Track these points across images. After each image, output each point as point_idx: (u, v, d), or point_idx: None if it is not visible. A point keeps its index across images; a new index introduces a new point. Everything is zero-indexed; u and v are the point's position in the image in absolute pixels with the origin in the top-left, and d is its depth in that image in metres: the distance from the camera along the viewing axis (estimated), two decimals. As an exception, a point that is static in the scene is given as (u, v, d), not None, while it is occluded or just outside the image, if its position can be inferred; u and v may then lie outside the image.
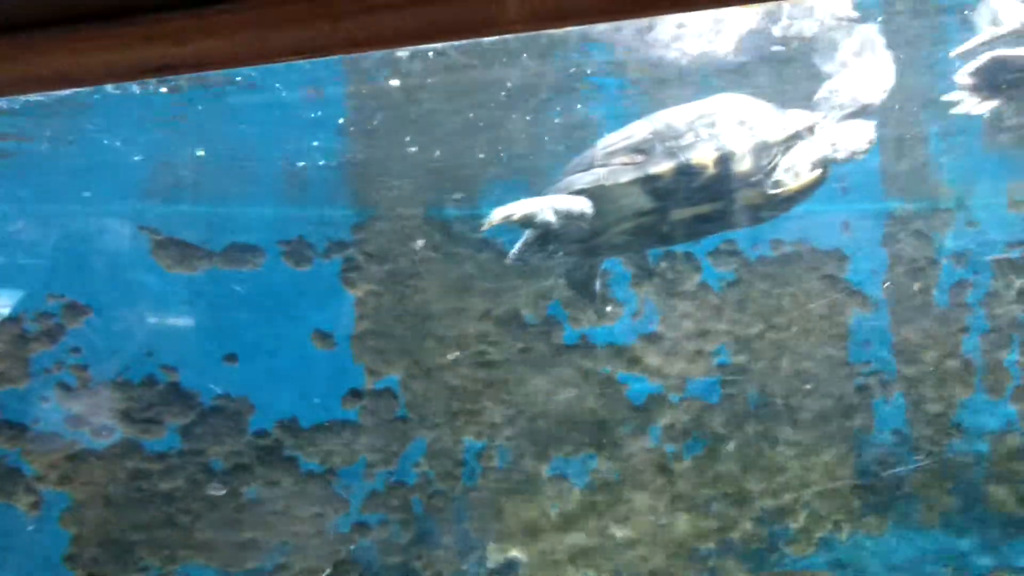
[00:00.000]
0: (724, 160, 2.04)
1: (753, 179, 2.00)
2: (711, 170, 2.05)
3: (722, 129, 2.05)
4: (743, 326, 3.56)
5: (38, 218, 3.11)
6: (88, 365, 3.12)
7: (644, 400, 3.50)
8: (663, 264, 3.55)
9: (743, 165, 2.02)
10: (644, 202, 2.10)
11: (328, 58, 1.34)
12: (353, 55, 3.17)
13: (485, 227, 2.21)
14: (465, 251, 3.48)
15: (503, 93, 3.41)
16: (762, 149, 2.02)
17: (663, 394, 3.51)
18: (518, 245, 2.45)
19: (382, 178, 3.42)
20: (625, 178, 2.06)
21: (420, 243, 3.43)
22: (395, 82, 3.04)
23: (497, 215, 2.21)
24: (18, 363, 3.08)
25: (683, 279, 3.56)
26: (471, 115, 3.35)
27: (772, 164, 2.00)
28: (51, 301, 3.11)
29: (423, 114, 3.36)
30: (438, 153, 3.39)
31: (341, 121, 3.34)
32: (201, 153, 3.19)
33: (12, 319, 3.06)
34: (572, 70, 2.89)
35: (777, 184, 2.04)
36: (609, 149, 2.15)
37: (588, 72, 2.90)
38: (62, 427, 3.09)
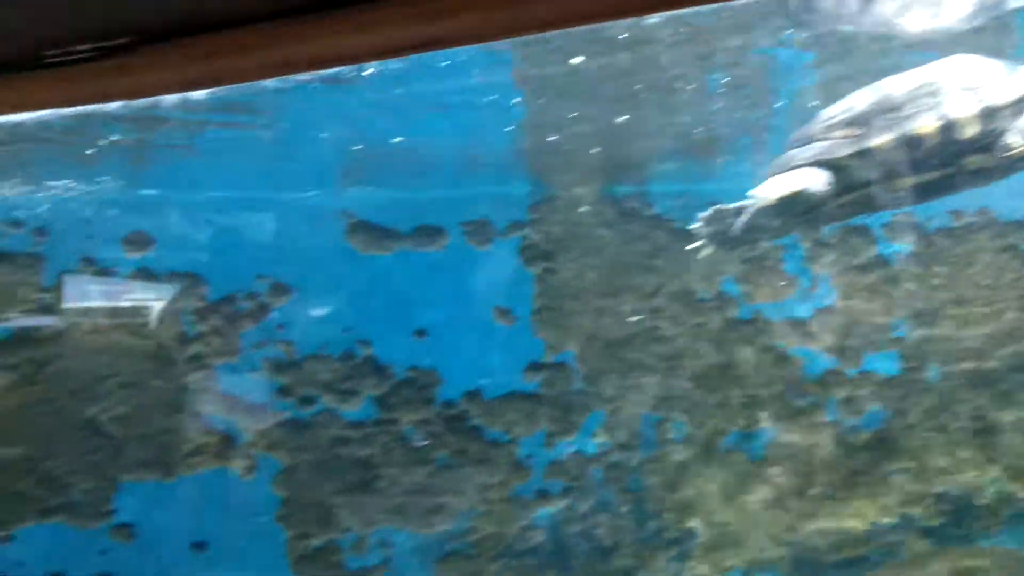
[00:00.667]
0: (947, 128, 2.04)
1: (982, 143, 1.98)
2: (934, 139, 2.04)
3: (946, 96, 2.04)
4: (921, 299, 3.50)
5: (246, 204, 3.36)
6: (292, 340, 3.36)
7: (820, 374, 3.50)
8: (837, 237, 3.53)
9: (969, 130, 2.01)
10: (864, 174, 2.12)
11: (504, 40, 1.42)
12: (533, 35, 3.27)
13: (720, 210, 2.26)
14: (638, 228, 3.55)
15: (677, 69, 3.45)
16: (989, 112, 1.99)
17: (839, 368, 3.50)
18: (741, 221, 2.46)
19: (557, 157, 3.52)
20: (844, 152, 2.08)
21: (593, 221, 3.52)
22: (576, 60, 3.13)
23: (767, 192, 2.23)
24: (231, 339, 3.34)
25: (858, 252, 3.53)
26: (646, 92, 3.41)
27: (1002, 126, 1.98)
28: (259, 282, 3.36)
29: (598, 92, 3.44)
30: (612, 131, 3.47)
31: (517, 102, 3.46)
32: (397, 139, 3.37)
33: (226, 299, 3.33)
34: (757, 43, 2.91)
35: (1008, 147, 2.01)
36: (829, 122, 2.17)
37: (773, 44, 2.91)
38: (270, 397, 3.34)
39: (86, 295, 3.25)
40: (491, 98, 3.41)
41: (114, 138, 3.08)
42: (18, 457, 3.15)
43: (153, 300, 3.29)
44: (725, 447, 3.54)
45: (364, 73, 3.28)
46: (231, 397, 3.31)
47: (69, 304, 3.24)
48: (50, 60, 1.38)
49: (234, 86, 3.20)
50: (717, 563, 3.47)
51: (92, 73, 1.39)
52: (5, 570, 3.13)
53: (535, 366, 3.49)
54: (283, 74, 1.43)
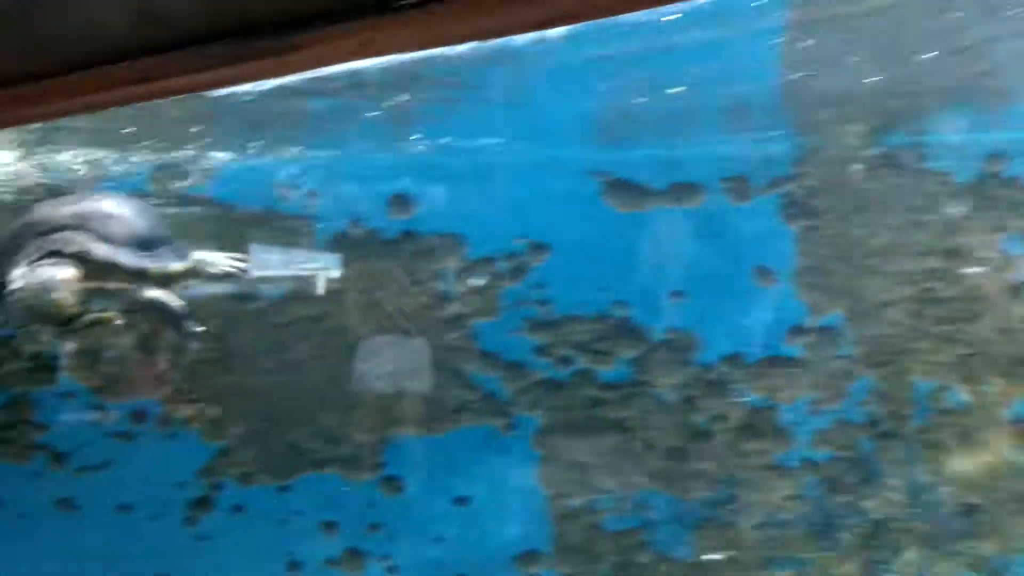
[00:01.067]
0: None
1: None
2: None
3: None
4: None
5: (504, 164, 3.38)
6: (549, 300, 3.35)
7: (1125, 339, 3.16)
8: None
9: None
10: None
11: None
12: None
13: None
14: (911, 181, 3.32)
15: (958, 13, 3.19)
16: None
17: None
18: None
19: (825, 108, 3.34)
20: None
21: (862, 174, 3.33)
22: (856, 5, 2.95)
23: None
24: (490, 298, 3.37)
25: None
26: (921, 36, 3.18)
27: None
28: (516, 242, 3.38)
29: (867, 39, 3.23)
30: (882, 79, 3.26)
31: (780, 51, 3.31)
32: (643, 98, 3.30)
33: (488, 259, 3.36)
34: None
35: None
36: None
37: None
38: (528, 356, 3.35)
39: (356, 256, 3.36)
40: (756, 45, 3.28)
41: (397, 99, 3.18)
42: (297, 411, 3.30)
43: (410, 261, 3.37)
44: (1010, 417, 3.26)
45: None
46: (492, 356, 3.33)
47: (337, 264, 3.36)
48: (400, 3, 1.39)
49: (489, 43, 3.18)
50: (1005, 542, 3.20)
51: (443, 15, 1.39)
52: (284, 517, 3.29)
53: (798, 329, 3.32)
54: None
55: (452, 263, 3.36)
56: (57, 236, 2.66)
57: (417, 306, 3.35)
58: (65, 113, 2.07)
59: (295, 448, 3.31)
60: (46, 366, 3.31)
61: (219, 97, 3.33)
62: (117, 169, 3.39)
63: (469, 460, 3.31)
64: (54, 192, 3.33)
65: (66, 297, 2.50)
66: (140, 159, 3.40)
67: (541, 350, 3.33)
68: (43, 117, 2.09)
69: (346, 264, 3.36)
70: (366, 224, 3.37)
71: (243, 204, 3.37)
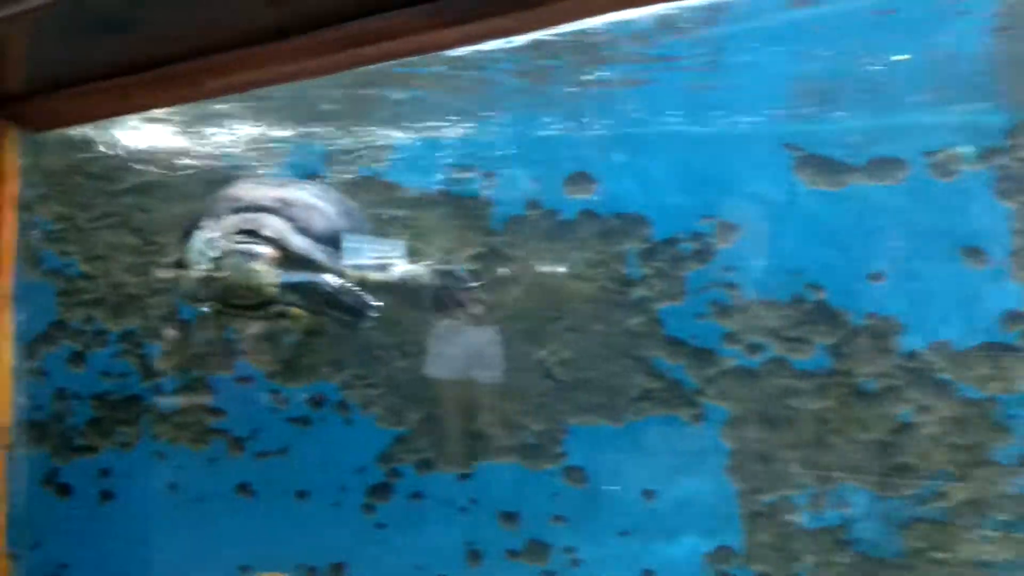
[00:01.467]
0: None
1: None
2: None
3: None
4: None
5: (688, 141, 3.21)
6: (738, 283, 3.18)
7: None
8: None
9: None
10: None
11: None
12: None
13: None
14: None
15: None
16: None
17: None
18: None
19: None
20: None
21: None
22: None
23: None
24: (676, 282, 3.22)
25: None
26: None
27: None
28: (702, 221, 3.21)
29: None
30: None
31: (993, 15, 3.05)
32: (849, 62, 3.09)
33: (672, 240, 3.20)
34: None
35: None
36: None
37: None
38: (717, 343, 3.18)
39: (531, 238, 3.24)
40: (962, 10, 3.04)
41: (580, 73, 3.05)
42: (476, 397, 3.21)
43: (592, 242, 3.23)
44: None
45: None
46: (678, 342, 3.17)
47: (516, 247, 3.25)
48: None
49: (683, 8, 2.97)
50: None
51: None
52: (463, 505, 3.20)
53: (1014, 315, 3.07)
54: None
55: (634, 244, 3.21)
56: (254, 216, 2.59)
57: (598, 290, 3.21)
58: (275, 81, 1.99)
59: (474, 436, 3.22)
60: (224, 351, 3.29)
61: (398, 73, 3.25)
62: (289, 147, 3.35)
63: (655, 451, 3.15)
64: (228, 172, 3.31)
65: (265, 276, 2.43)
66: (313, 139, 3.36)
67: (730, 336, 3.16)
68: (253, 85, 2.02)
69: (523, 246, 3.25)
70: (544, 205, 3.25)
71: (417, 185, 3.29)
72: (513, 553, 3.17)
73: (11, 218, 2.92)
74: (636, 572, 3.14)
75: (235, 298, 2.43)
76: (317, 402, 3.24)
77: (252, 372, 3.26)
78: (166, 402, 3.29)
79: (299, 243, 2.59)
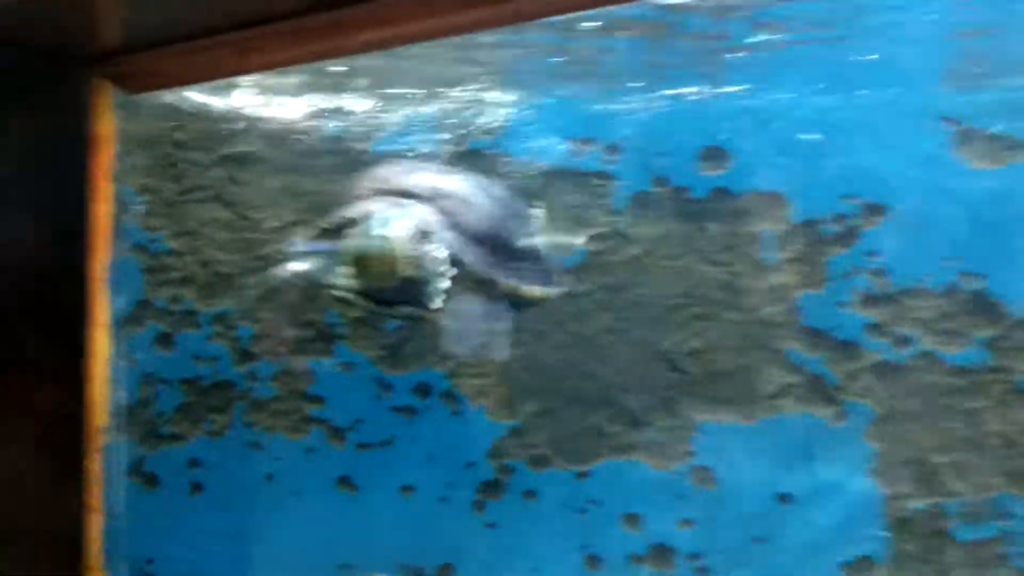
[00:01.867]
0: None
1: None
2: None
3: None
4: None
5: (833, 115, 2.94)
6: (885, 270, 2.91)
7: None
8: None
9: None
10: None
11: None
12: None
13: None
14: None
15: None
16: None
17: None
18: None
19: None
20: None
21: None
22: None
23: None
24: (816, 268, 2.95)
25: None
26: None
27: None
28: (846, 201, 2.94)
29: None
30: None
31: None
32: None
33: (813, 221, 2.94)
34: None
35: None
36: None
37: None
38: (861, 335, 2.92)
39: (660, 218, 2.99)
40: None
41: (714, 39, 2.77)
42: (595, 389, 2.97)
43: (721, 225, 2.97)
44: None
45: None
46: (817, 333, 2.92)
47: (640, 227, 3.00)
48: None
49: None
50: None
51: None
52: (581, 506, 2.97)
53: None
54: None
55: (771, 226, 2.95)
56: (401, 201, 2.31)
57: (730, 275, 2.96)
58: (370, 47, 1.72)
59: (594, 431, 2.98)
60: (325, 335, 3.07)
61: (503, 39, 2.99)
62: (396, 116, 3.10)
63: (791, 452, 2.91)
64: (331, 144, 3.07)
65: (405, 248, 2.14)
66: (420, 107, 3.11)
67: (875, 328, 2.90)
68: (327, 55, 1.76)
69: (649, 227, 2.99)
70: (672, 181, 2.99)
71: (533, 159, 3.03)
72: (635, 558, 2.95)
73: (107, 190, 2.67)
74: (768, 581, 2.90)
75: (370, 277, 2.15)
76: (423, 391, 3.02)
77: (354, 358, 3.03)
78: (261, 389, 3.08)
79: (448, 241, 2.30)
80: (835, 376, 2.90)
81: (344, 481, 3.05)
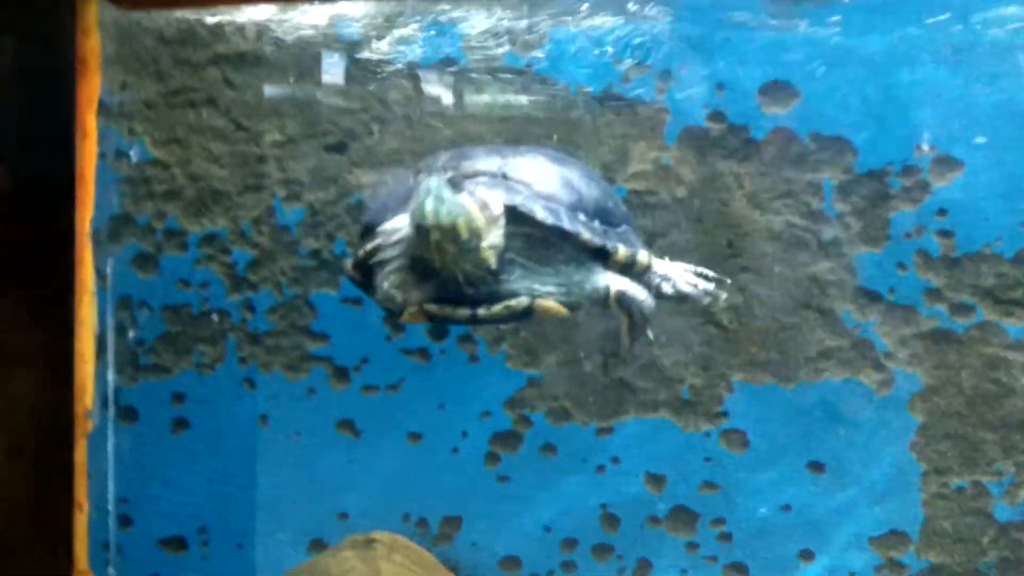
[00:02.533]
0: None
1: None
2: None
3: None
4: None
5: (915, 55, 2.62)
6: (953, 231, 2.67)
7: None
8: None
9: None
10: None
11: None
12: None
13: None
14: None
15: None
16: None
17: None
18: None
19: None
20: None
21: None
22: None
23: None
24: (878, 224, 2.69)
25: None
26: None
27: None
28: (918, 153, 2.66)
29: None
30: None
31: None
32: None
33: (878, 172, 2.66)
34: None
35: None
36: None
37: None
38: (919, 300, 2.70)
39: (710, 157, 2.68)
40: None
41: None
42: (626, 340, 2.72)
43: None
44: None
45: None
46: (872, 294, 2.69)
47: (691, 167, 2.69)
48: None
49: None
50: None
51: None
52: (601, 464, 2.78)
53: None
54: None
55: (833, 174, 2.67)
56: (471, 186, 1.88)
57: (784, 225, 2.69)
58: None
59: (620, 385, 2.75)
60: (330, 265, 2.76)
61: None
62: (415, 25, 2.71)
63: (830, 419, 2.72)
64: (339, 48, 2.68)
65: (477, 219, 1.80)
66: (446, 17, 2.71)
67: (934, 293, 2.67)
68: None
69: (700, 166, 2.69)
70: (729, 118, 2.67)
71: (574, 81, 2.68)
72: (655, 520, 2.78)
73: (93, 128, 2.28)
74: (792, 552, 2.76)
75: (435, 251, 1.81)
76: (438, 334, 2.75)
77: (361, 293, 2.73)
78: (258, 321, 2.78)
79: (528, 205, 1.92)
80: (885, 342, 2.69)
81: (346, 425, 2.80)
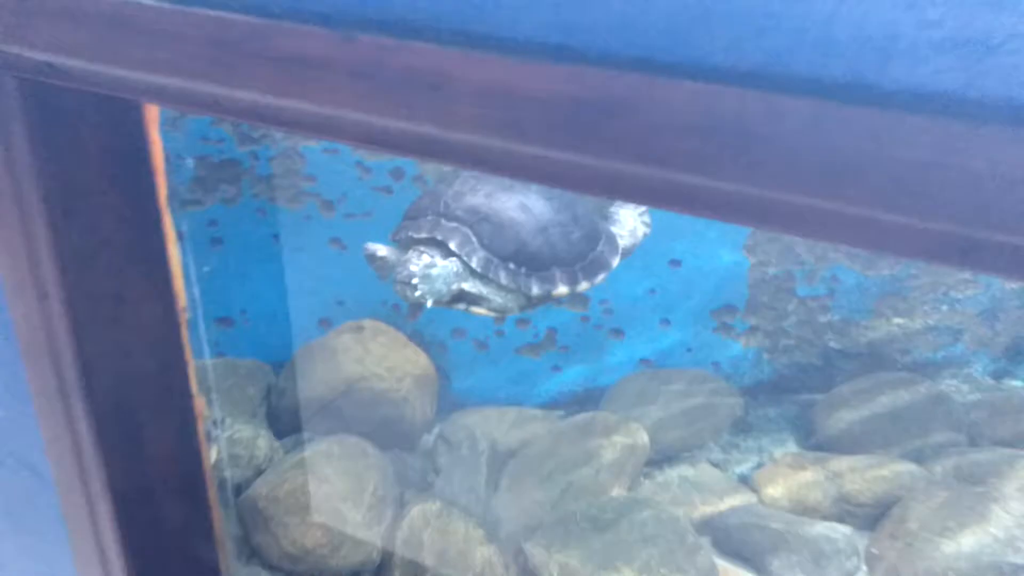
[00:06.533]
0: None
1: None
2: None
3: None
4: None
5: None
6: None
7: None
8: None
9: None
10: None
11: None
12: None
13: None
14: None
15: None
16: None
17: None
18: None
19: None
20: None
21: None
22: None
23: None
24: None
25: None
26: None
27: None
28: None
29: None
30: None
31: None
32: None
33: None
34: None
35: None
36: None
37: None
38: None
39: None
40: None
41: None
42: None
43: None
44: None
45: None
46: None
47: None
48: None
49: None
50: None
51: None
52: (520, 264, 3.86)
53: None
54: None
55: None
56: (449, 225, 2.59)
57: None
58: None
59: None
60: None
61: None
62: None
63: (684, 229, 3.74)
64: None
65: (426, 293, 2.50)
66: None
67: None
68: None
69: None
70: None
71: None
72: (557, 302, 3.91)
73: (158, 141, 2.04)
74: (655, 321, 3.91)
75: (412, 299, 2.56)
76: (398, 175, 3.71)
77: (339, 145, 3.66)
78: (262, 167, 3.74)
79: (479, 263, 2.51)
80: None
81: (335, 241, 3.86)
